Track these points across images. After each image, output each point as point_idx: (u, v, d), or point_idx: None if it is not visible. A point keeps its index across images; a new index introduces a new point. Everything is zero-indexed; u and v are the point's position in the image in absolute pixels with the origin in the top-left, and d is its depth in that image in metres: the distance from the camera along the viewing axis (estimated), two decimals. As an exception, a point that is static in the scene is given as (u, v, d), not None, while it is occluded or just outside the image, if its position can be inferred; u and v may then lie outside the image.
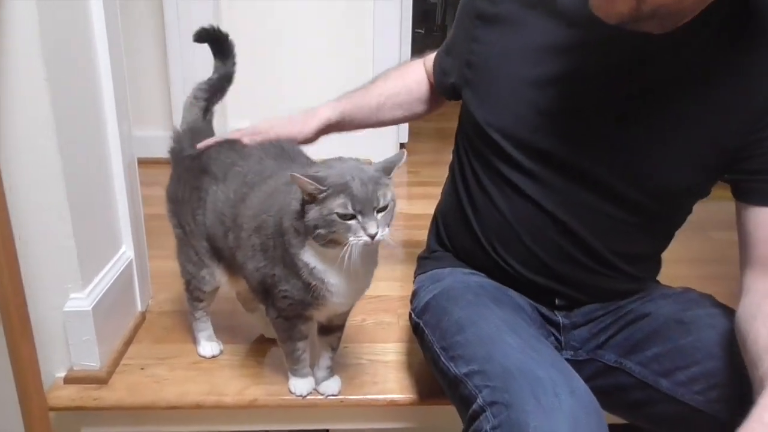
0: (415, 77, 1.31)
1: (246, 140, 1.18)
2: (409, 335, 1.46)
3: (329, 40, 2.64)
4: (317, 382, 1.23)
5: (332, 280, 1.03)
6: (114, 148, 1.36)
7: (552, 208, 1.07)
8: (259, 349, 1.39)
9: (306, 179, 0.94)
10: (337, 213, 0.92)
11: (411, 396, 1.24)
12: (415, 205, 2.22)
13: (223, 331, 1.40)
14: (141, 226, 1.53)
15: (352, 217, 0.93)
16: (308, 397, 1.21)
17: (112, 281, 1.35)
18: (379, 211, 0.94)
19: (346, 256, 0.93)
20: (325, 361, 1.25)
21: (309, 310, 1.11)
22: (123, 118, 1.37)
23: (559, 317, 1.16)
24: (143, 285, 1.53)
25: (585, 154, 1.03)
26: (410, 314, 1.25)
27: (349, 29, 2.63)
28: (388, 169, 0.98)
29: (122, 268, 1.41)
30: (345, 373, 1.27)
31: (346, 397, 1.22)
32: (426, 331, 1.12)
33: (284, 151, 1.20)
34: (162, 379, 1.29)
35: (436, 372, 1.08)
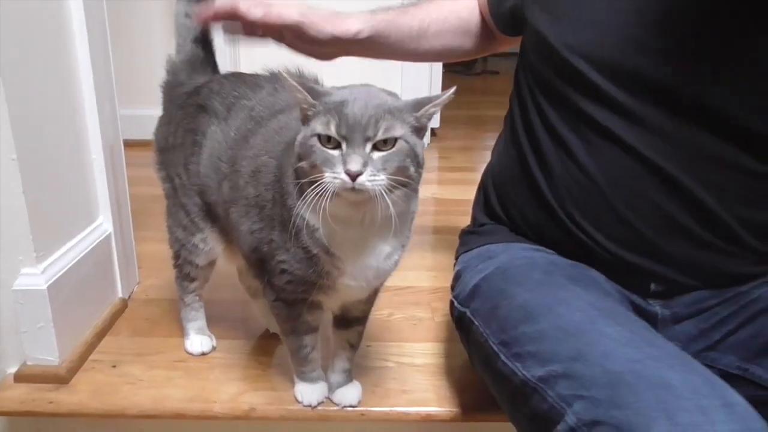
0: (466, 3, 1.07)
1: (242, 7, 0.94)
2: (446, 334, 1.25)
3: None
4: (331, 389, 1.02)
5: (339, 250, 0.81)
6: (90, 110, 1.16)
7: (656, 158, 0.80)
8: (261, 347, 1.18)
9: (295, 84, 0.72)
10: (317, 135, 0.72)
11: (451, 409, 1.03)
12: (446, 190, 2.10)
13: (219, 323, 1.21)
14: (125, 198, 1.33)
15: (337, 145, 0.72)
16: (319, 407, 1.00)
17: (80, 257, 1.12)
18: (375, 147, 0.72)
19: (326, 204, 0.72)
20: (341, 362, 1.02)
21: (314, 293, 0.87)
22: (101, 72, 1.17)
23: (656, 307, 0.88)
24: (127, 267, 1.33)
25: (706, 81, 0.76)
26: (451, 303, 1.00)
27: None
28: (419, 104, 0.75)
29: (96, 243, 1.19)
30: (366, 378, 1.07)
31: (368, 409, 1.02)
32: (475, 322, 0.88)
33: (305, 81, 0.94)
34: (137, 379, 1.07)
35: (490, 377, 0.84)
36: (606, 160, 0.83)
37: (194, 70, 1.07)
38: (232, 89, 0.99)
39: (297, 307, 0.91)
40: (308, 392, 0.99)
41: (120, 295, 1.29)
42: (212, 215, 1.02)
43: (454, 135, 2.85)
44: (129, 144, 1.32)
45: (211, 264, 1.10)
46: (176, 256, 1.10)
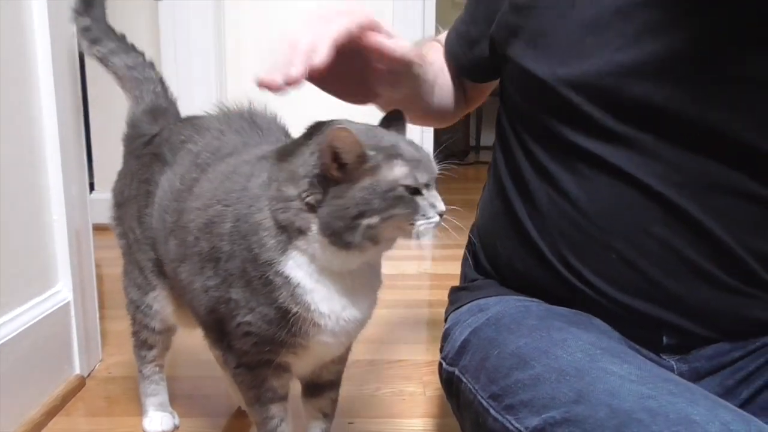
0: (440, 57, 1.01)
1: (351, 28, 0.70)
2: (438, 409, 1.14)
3: None
4: None
5: (324, 305, 0.73)
6: (51, 149, 1.11)
7: (658, 185, 0.73)
8: (230, 427, 1.07)
9: (348, 136, 0.65)
10: (403, 186, 0.67)
11: None
12: (440, 265, 2.05)
13: (183, 401, 1.11)
14: (90, 268, 1.25)
15: (416, 191, 0.68)
16: None
17: (29, 325, 1.03)
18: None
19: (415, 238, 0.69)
20: None
21: (282, 354, 0.77)
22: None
23: (672, 362, 0.78)
24: (87, 342, 1.23)
25: (707, 102, 0.70)
26: (440, 365, 0.90)
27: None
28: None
29: (51, 311, 1.10)
30: None
31: None
32: (464, 380, 0.78)
33: (253, 123, 0.90)
34: None
35: None
36: (600, 192, 0.75)
37: (155, 119, 1.02)
38: (179, 134, 0.93)
39: (261, 371, 0.80)
40: None
41: (77, 371, 1.19)
42: (164, 271, 0.94)
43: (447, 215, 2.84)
44: (105, 227, 1.23)
45: (169, 330, 1.02)
46: (132, 320, 1.02)
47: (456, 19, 0.99)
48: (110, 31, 1.07)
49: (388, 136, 0.71)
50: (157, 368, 1.04)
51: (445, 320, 0.98)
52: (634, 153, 0.74)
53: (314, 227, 0.69)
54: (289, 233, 0.71)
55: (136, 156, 0.99)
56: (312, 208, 0.69)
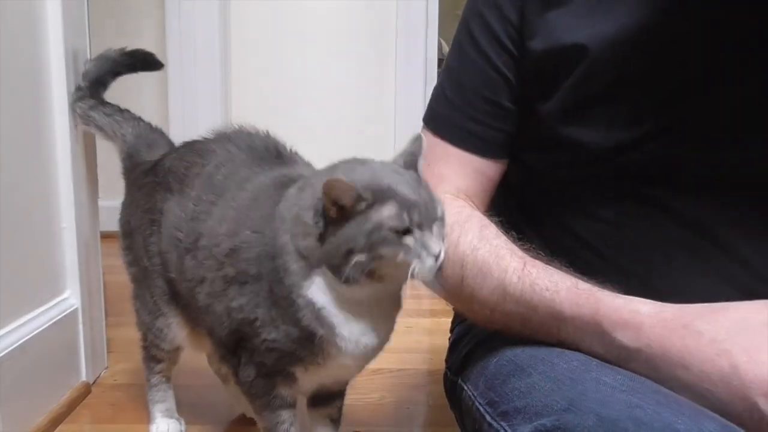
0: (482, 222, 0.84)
1: None
2: (443, 419, 1.12)
3: (346, 49, 2.49)
4: None
5: (344, 329, 0.77)
6: (62, 156, 1.14)
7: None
8: None
9: (340, 183, 0.69)
10: (390, 227, 0.70)
11: None
12: None
13: (189, 409, 1.12)
14: (97, 275, 1.27)
15: (407, 231, 0.70)
16: None
17: (37, 332, 1.04)
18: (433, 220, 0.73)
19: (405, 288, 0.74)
20: None
21: (297, 367, 0.81)
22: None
23: None
24: (93, 349, 1.24)
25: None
26: (445, 375, 0.93)
27: (370, 31, 2.48)
28: (412, 163, 0.78)
29: (59, 318, 1.12)
30: None
31: None
32: (465, 388, 0.80)
33: (266, 147, 0.93)
34: None
35: None
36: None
37: (150, 147, 1.06)
38: (183, 161, 0.96)
39: (273, 380, 0.83)
40: None
41: (83, 378, 1.20)
42: (176, 297, 0.96)
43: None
44: (109, 235, 1.26)
45: (179, 349, 1.04)
46: (143, 338, 1.05)
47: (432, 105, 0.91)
48: (97, 93, 1.16)
49: (392, 177, 0.73)
50: (164, 378, 1.07)
51: (451, 331, 1.00)
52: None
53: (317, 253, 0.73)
54: (312, 261, 0.74)
55: (138, 186, 1.02)
56: (321, 238, 0.73)
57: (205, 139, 0.97)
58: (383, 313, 0.78)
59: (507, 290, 0.72)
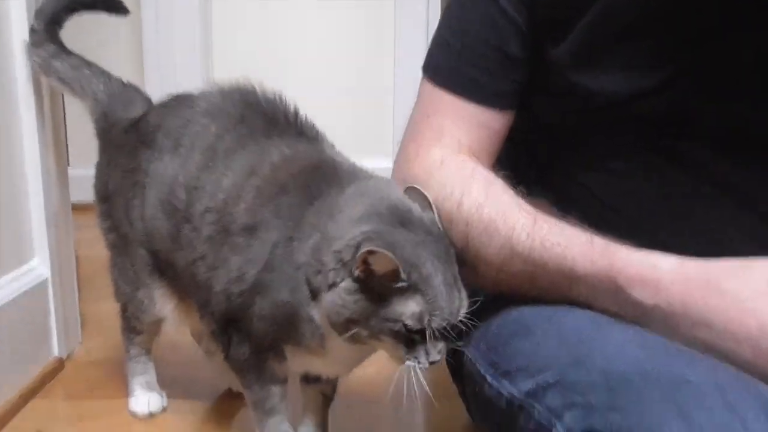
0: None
1: None
2: (445, 391, 1.13)
3: (344, 46, 2.50)
4: None
5: (336, 349, 0.81)
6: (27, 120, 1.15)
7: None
8: (221, 408, 1.13)
9: (385, 259, 0.69)
10: (405, 324, 0.71)
11: None
12: None
13: (171, 384, 1.15)
14: (68, 243, 1.29)
15: (420, 332, 0.72)
16: None
17: (5, 301, 1.08)
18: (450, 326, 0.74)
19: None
20: (314, 416, 0.96)
21: (287, 345, 0.85)
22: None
23: None
24: (67, 323, 1.27)
25: None
26: None
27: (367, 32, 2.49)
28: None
29: (28, 288, 1.14)
30: None
31: None
32: (465, 353, 0.82)
33: (283, 114, 0.92)
34: None
35: (480, 414, 0.80)
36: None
37: (126, 105, 1.06)
38: (176, 117, 0.96)
39: (263, 354, 0.86)
40: None
41: (56, 354, 1.23)
42: (160, 268, 0.98)
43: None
44: (81, 207, 1.31)
45: (161, 320, 1.07)
46: (122, 309, 1.08)
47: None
48: (55, 36, 1.13)
49: (433, 261, 0.72)
50: (143, 350, 1.09)
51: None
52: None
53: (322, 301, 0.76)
54: (319, 286, 0.76)
55: (116, 146, 1.03)
56: (332, 285, 0.74)
57: (202, 94, 0.97)
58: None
59: (515, 248, 0.73)
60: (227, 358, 0.90)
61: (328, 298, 0.74)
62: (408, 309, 0.71)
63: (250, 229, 0.83)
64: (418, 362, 0.73)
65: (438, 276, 0.72)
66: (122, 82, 1.12)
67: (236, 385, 1.09)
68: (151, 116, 1.00)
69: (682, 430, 0.50)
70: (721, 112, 0.74)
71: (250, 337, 0.85)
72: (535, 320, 0.73)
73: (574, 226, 0.72)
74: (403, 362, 0.73)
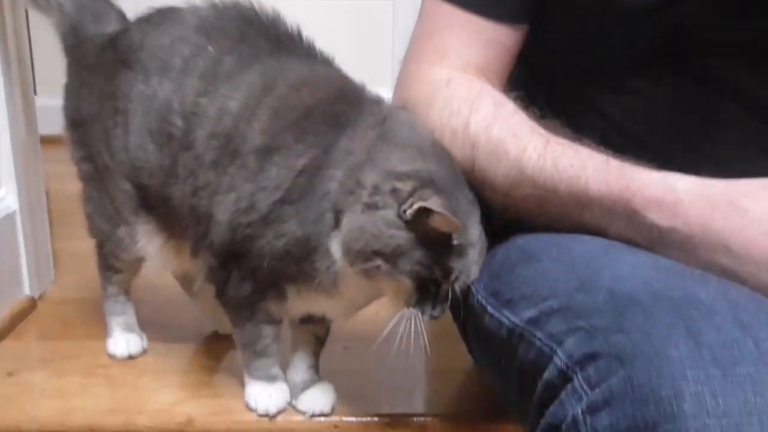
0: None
1: None
2: (447, 332, 1.15)
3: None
4: (294, 393, 0.95)
5: (346, 290, 0.83)
6: None
7: None
8: (205, 350, 1.13)
9: (448, 222, 0.71)
10: (433, 274, 0.76)
11: (450, 420, 0.97)
12: None
13: (152, 325, 1.15)
14: (38, 177, 1.28)
15: (435, 283, 0.76)
16: (279, 417, 0.93)
17: None
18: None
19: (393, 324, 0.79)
20: (306, 358, 0.96)
21: (290, 285, 0.86)
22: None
23: None
24: (38, 260, 1.27)
25: None
26: None
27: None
28: None
29: (-7, 220, 1.10)
30: (342, 383, 1.00)
31: (344, 419, 0.95)
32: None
33: (287, 35, 0.91)
34: (39, 389, 1.01)
35: (481, 349, 0.83)
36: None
37: (98, 18, 1.02)
38: (163, 35, 0.93)
39: (263, 292, 0.87)
40: (264, 396, 0.92)
41: (27, 292, 1.23)
42: (147, 204, 0.96)
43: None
44: (50, 139, 1.26)
45: (141, 258, 1.06)
46: (99, 246, 1.06)
47: None
48: None
49: (479, 228, 0.77)
50: (121, 290, 1.09)
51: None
52: None
53: (345, 222, 0.76)
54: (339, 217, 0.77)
55: (90, 66, 0.99)
56: (367, 207, 0.74)
57: (192, 8, 0.93)
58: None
59: (524, 171, 0.73)
60: (222, 296, 0.90)
61: (359, 221, 0.74)
62: (444, 262, 0.74)
63: (266, 152, 0.82)
64: (422, 312, 0.76)
65: (478, 244, 0.76)
66: None
67: (223, 328, 1.12)
68: (132, 33, 0.96)
69: (690, 348, 0.51)
70: (746, 27, 0.74)
71: (254, 274, 0.85)
72: (542, 247, 0.73)
73: (590, 147, 0.72)
74: (407, 307, 0.76)
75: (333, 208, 0.77)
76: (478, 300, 0.77)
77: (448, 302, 0.77)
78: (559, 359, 0.59)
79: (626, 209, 0.67)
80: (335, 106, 0.83)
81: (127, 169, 0.95)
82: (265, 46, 0.88)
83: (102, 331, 1.10)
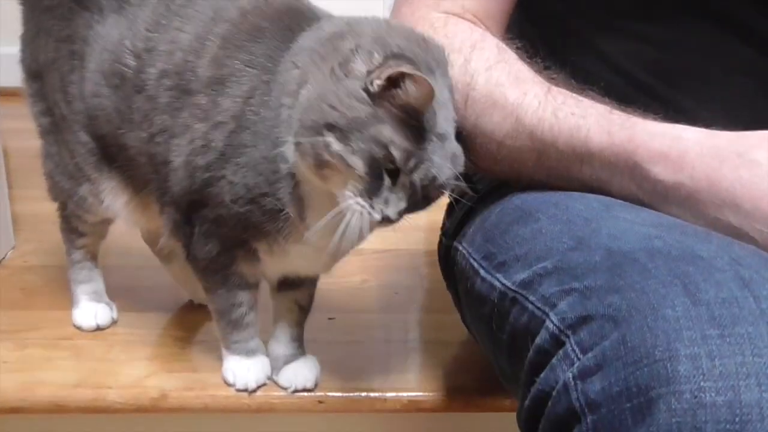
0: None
1: None
2: (439, 304, 1.19)
3: None
4: (275, 367, 0.98)
5: (312, 217, 0.81)
6: None
7: None
8: (179, 321, 1.15)
9: (426, 87, 0.69)
10: (387, 155, 0.71)
11: (441, 395, 1.00)
12: None
13: (122, 293, 1.17)
14: None
15: (394, 174, 0.72)
16: (259, 392, 0.96)
17: None
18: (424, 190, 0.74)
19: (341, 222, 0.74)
20: (289, 329, 0.98)
21: (260, 243, 0.87)
22: None
23: None
24: None
25: None
26: (439, 243, 1.00)
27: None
28: None
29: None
30: (327, 356, 1.02)
31: (329, 394, 0.98)
32: (459, 248, 0.86)
33: None
34: (0, 362, 1.02)
35: (471, 315, 0.85)
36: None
37: None
38: None
39: (232, 252, 0.88)
40: (243, 370, 0.95)
41: (-15, 259, 1.25)
42: (108, 157, 0.98)
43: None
44: (7, 92, 1.30)
45: (108, 220, 1.08)
46: (61, 207, 1.09)
47: None
48: None
49: (451, 118, 0.75)
50: (88, 254, 1.11)
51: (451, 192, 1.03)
52: None
53: (303, 92, 0.75)
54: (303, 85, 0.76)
55: (44, 9, 1.00)
56: (339, 68, 0.73)
57: None
58: None
59: (522, 118, 0.74)
60: (190, 257, 0.91)
61: (318, 90, 0.73)
62: (403, 143, 0.71)
63: (216, 84, 0.83)
64: (372, 208, 0.72)
65: (448, 142, 0.73)
66: None
67: (198, 297, 1.14)
68: None
69: (686, 307, 0.52)
70: None
71: (219, 227, 0.86)
72: (539, 206, 0.75)
73: (594, 98, 0.73)
74: (353, 198, 0.73)
75: (297, 86, 0.76)
76: (470, 263, 0.79)
77: (406, 202, 0.73)
78: (552, 323, 0.61)
79: (629, 162, 0.68)
80: (286, 21, 0.83)
81: (84, 118, 0.96)
82: None
83: (67, 301, 1.12)
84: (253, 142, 0.80)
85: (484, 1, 0.84)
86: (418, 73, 0.68)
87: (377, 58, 0.72)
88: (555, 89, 0.74)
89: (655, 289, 0.54)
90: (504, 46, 0.80)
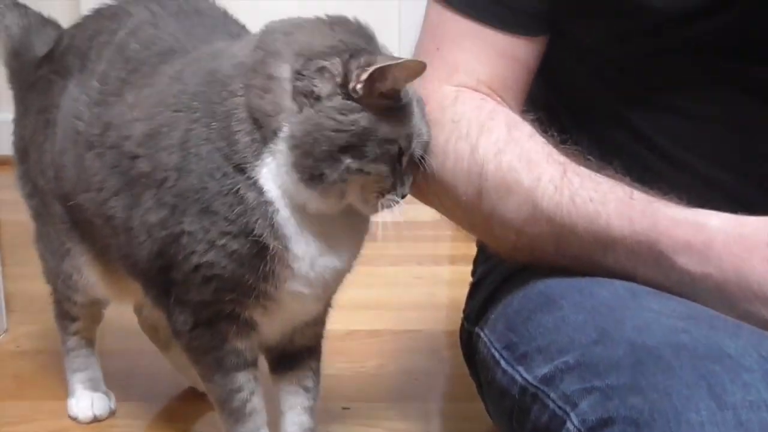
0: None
1: None
2: (462, 390, 1.18)
3: None
4: None
5: (298, 244, 0.81)
6: None
7: None
8: (180, 410, 1.17)
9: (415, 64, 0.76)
10: (400, 145, 0.77)
11: None
12: None
13: (121, 381, 1.19)
14: None
15: (398, 158, 0.78)
16: None
17: None
18: None
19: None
20: (298, 417, 0.97)
21: (250, 306, 0.86)
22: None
23: None
24: None
25: None
26: (461, 327, 1.01)
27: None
28: None
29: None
30: None
31: None
32: (482, 335, 0.87)
33: (210, 17, 0.98)
34: None
35: (494, 406, 0.87)
36: None
37: (46, 44, 1.09)
38: (86, 30, 1.00)
39: (222, 327, 0.87)
40: None
41: (-25, 343, 1.27)
42: (78, 223, 1.00)
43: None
44: (4, 161, 1.30)
45: (97, 303, 1.10)
46: (53, 290, 1.12)
47: None
48: None
49: (411, 91, 0.80)
50: (85, 341, 1.13)
51: (473, 274, 1.06)
52: None
53: (285, 129, 0.76)
54: (264, 130, 0.77)
55: (29, 86, 1.06)
56: (304, 98, 0.75)
57: (121, 1, 1.00)
58: (345, 228, 0.84)
59: (539, 204, 0.75)
60: (177, 335, 0.91)
61: (307, 122, 0.75)
62: (403, 129, 0.77)
63: (150, 139, 0.84)
64: (398, 195, 0.79)
65: (414, 96, 0.79)
66: (41, 18, 1.14)
67: (200, 385, 1.12)
68: (63, 39, 1.03)
69: (711, 411, 0.53)
70: None
71: (189, 290, 0.85)
72: (563, 292, 0.76)
73: (613, 179, 0.75)
74: (383, 197, 0.78)
75: (249, 124, 0.78)
76: (491, 353, 0.81)
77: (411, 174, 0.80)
78: (572, 424, 0.62)
79: (653, 251, 0.70)
80: (208, 64, 0.85)
81: (53, 184, 1.00)
82: (187, 28, 0.94)
83: (63, 390, 1.13)
84: (200, 183, 0.80)
85: (499, 73, 0.86)
86: (399, 60, 0.73)
87: (335, 65, 0.75)
88: (571, 170, 0.76)
89: (678, 391, 0.55)
90: (516, 121, 0.81)
